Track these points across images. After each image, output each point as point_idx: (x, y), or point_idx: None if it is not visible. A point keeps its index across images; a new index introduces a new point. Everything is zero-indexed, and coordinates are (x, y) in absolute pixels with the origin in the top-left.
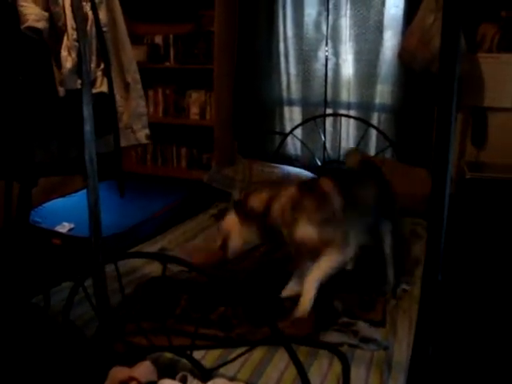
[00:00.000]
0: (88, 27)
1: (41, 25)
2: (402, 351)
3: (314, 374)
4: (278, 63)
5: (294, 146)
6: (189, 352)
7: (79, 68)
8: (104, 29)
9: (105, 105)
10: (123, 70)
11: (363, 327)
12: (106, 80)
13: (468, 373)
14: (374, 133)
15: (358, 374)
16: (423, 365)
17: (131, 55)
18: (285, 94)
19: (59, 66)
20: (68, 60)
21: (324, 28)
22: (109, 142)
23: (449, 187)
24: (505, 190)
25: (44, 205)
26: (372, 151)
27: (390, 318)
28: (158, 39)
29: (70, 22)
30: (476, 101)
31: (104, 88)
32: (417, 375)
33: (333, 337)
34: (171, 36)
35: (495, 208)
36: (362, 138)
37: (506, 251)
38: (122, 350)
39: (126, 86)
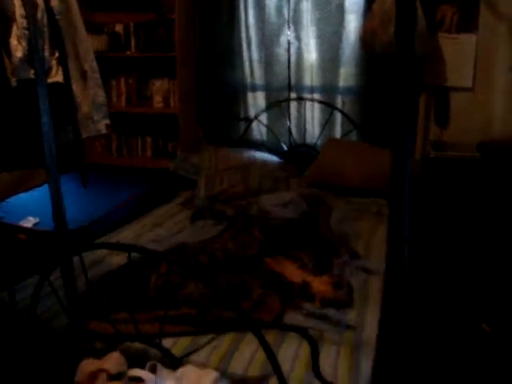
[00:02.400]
0: (39, 15)
1: None
2: (371, 330)
3: (284, 358)
4: (241, 49)
5: (259, 131)
6: (158, 340)
7: (31, 57)
8: (57, 17)
9: (61, 95)
10: (80, 58)
11: (330, 311)
12: (61, 69)
13: (435, 347)
14: (338, 115)
15: (327, 355)
16: (391, 342)
17: (88, 43)
18: (248, 79)
19: (9, 55)
20: (18, 49)
21: (286, 12)
22: (69, 133)
23: (409, 165)
24: (467, 168)
25: (7, 200)
26: (337, 134)
27: (358, 298)
28: (119, 28)
29: (19, 10)
30: (438, 81)
31: (59, 78)
32: (385, 353)
33: (300, 321)
34: (132, 24)
35: (458, 186)
36: (327, 122)
37: (468, 227)
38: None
39: (84, 75)
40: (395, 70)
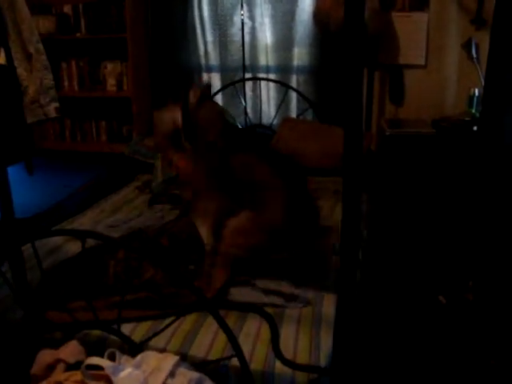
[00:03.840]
0: None
1: None
2: (330, 306)
3: (245, 338)
4: (194, 29)
5: None
6: (116, 327)
7: None
8: None
9: (5, 78)
10: (23, 40)
11: (286, 286)
12: (3, 50)
13: (394, 321)
14: (294, 95)
15: (287, 333)
16: (349, 318)
17: (31, 24)
18: (203, 60)
19: None
20: None
21: None
22: (15, 119)
23: (361, 142)
24: (423, 145)
25: None
26: (293, 113)
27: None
28: (67, 9)
29: None
30: (392, 59)
31: (1, 60)
32: (344, 329)
33: (257, 297)
34: (80, 5)
35: (414, 162)
36: (283, 101)
37: (424, 202)
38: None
39: (28, 58)
40: (347, 47)
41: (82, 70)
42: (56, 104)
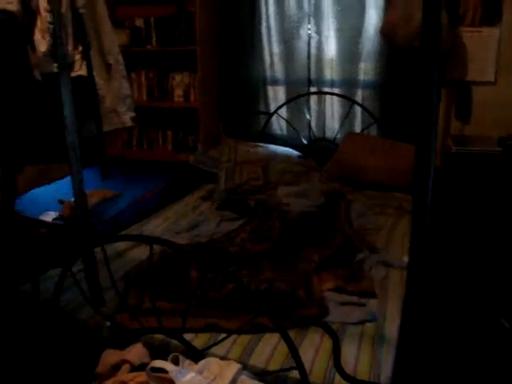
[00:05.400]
0: (63, 9)
1: (13, 7)
2: (393, 324)
3: (306, 351)
4: (261, 42)
5: (279, 125)
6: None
7: (55, 51)
8: (81, 11)
9: (85, 88)
10: (104, 51)
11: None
12: (85, 63)
13: (455, 343)
14: (358, 110)
15: (349, 349)
16: (413, 338)
17: (113, 36)
18: (268, 73)
19: (33, 49)
20: (42, 43)
21: (306, 5)
22: (92, 127)
23: (433, 161)
24: (489, 163)
25: (27, 193)
26: (357, 128)
27: (380, 291)
28: (140, 22)
29: (43, 4)
30: (460, 75)
31: (83, 71)
32: (407, 349)
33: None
34: (152, 19)
35: (480, 180)
36: (347, 116)
37: (489, 221)
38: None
39: (108, 68)
40: (418, 64)
41: (151, 80)
42: (132, 113)
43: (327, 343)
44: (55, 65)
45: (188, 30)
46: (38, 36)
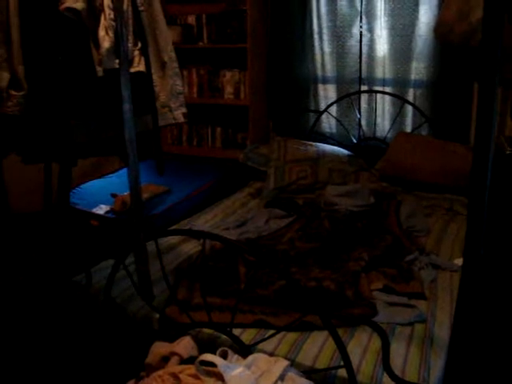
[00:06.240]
0: (124, 6)
1: (79, 5)
2: (443, 327)
3: (353, 350)
4: (312, 40)
5: (328, 123)
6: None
7: (117, 47)
8: (140, 8)
9: (142, 84)
10: (159, 48)
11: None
12: (143, 59)
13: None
14: (409, 109)
15: (397, 350)
16: (463, 342)
17: (167, 34)
18: (319, 71)
19: (97, 46)
20: (106, 39)
21: (358, 3)
22: (147, 122)
23: (491, 163)
24: None
25: (81, 186)
26: (408, 128)
27: (429, 293)
28: (191, 19)
29: (107, 2)
30: None
31: (141, 67)
32: (457, 352)
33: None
34: (204, 16)
35: None
36: (398, 115)
37: None
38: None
39: (162, 65)
40: (473, 63)
41: (202, 77)
42: (184, 110)
43: (375, 343)
44: (117, 61)
45: (239, 27)
46: (101, 33)
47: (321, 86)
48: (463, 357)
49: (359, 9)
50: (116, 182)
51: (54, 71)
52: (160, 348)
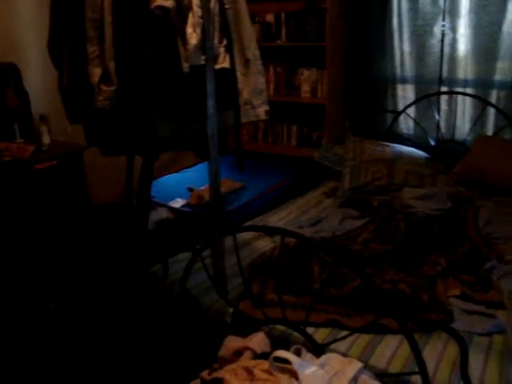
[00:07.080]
0: (211, 4)
1: (169, 4)
2: None
3: (428, 357)
4: (391, 39)
5: (406, 124)
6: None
7: (203, 44)
8: (226, 6)
9: (226, 80)
10: (243, 46)
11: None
12: (228, 56)
13: None
14: (492, 112)
15: (475, 360)
16: None
17: (251, 32)
18: (398, 71)
19: (184, 42)
20: (193, 37)
21: (441, 1)
22: (228, 118)
23: None
24: None
25: (159, 179)
26: (489, 131)
27: (508, 302)
28: (270, 17)
29: (196, 0)
30: None
31: (226, 64)
32: None
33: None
34: (283, 14)
35: None
36: (479, 117)
37: None
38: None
39: (246, 63)
40: None
41: (279, 75)
42: (266, 107)
43: (451, 351)
44: (203, 57)
45: (317, 25)
46: (189, 30)
47: (399, 86)
48: None
49: (442, 7)
50: (193, 176)
51: (143, 67)
52: (233, 342)
